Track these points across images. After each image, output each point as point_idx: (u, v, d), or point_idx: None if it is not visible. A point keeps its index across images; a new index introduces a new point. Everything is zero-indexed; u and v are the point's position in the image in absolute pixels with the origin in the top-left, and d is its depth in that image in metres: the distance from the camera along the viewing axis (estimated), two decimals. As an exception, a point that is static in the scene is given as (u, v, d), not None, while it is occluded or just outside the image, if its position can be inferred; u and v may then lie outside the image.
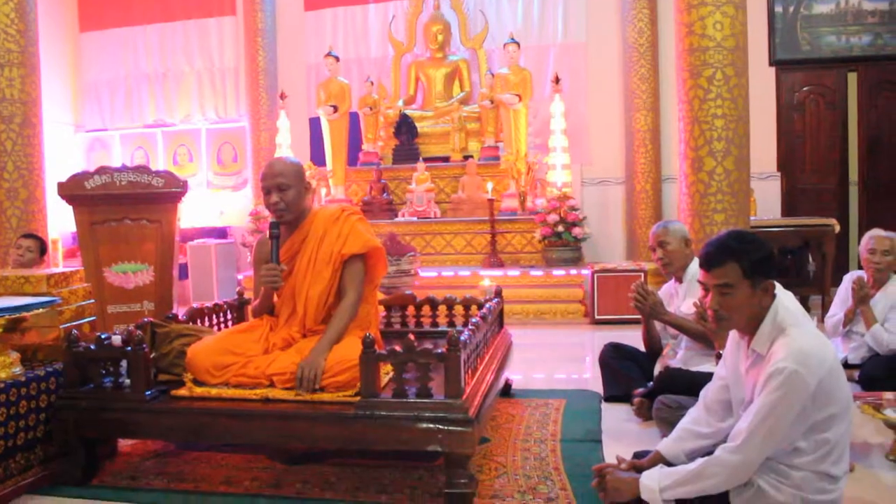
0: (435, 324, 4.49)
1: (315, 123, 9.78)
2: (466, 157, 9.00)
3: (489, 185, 8.21)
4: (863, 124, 9.35)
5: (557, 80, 8.67)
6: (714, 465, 2.38)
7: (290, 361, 3.17)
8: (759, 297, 2.43)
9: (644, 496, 2.47)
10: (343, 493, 3.06)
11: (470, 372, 3.18)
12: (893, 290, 4.57)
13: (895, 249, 4.58)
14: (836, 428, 2.39)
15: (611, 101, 9.58)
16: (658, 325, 4.18)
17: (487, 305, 4.04)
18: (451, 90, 9.73)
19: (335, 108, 9.11)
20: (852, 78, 9.39)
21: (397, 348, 2.96)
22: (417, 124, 9.33)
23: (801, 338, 2.36)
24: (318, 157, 9.55)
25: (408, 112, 9.41)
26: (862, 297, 4.55)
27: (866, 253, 4.63)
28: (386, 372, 3.17)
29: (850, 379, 4.52)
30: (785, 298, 2.49)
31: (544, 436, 3.77)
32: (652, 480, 2.47)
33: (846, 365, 4.68)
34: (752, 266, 2.42)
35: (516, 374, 4.75)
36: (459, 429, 2.85)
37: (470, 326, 3.35)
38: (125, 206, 4.79)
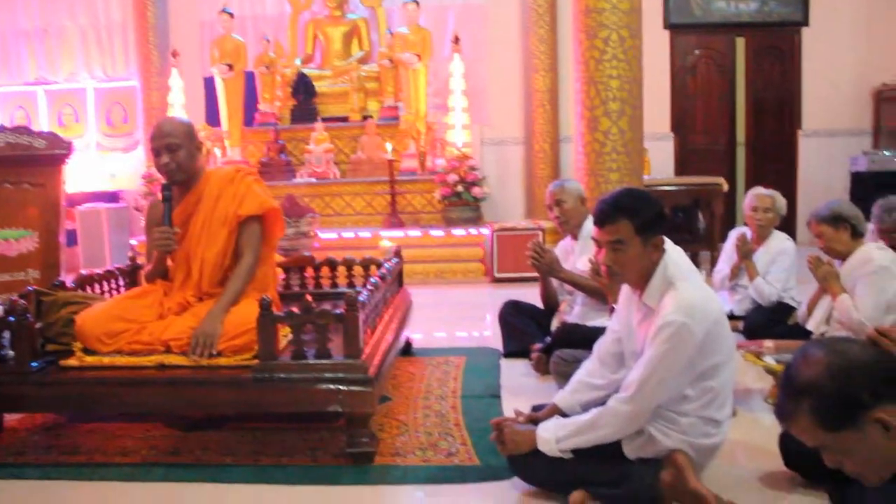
0: (334, 285, 4.47)
1: (209, 83, 9.45)
2: (366, 118, 8.91)
3: (388, 146, 8.17)
4: (749, 88, 9.71)
5: (457, 41, 8.64)
6: (607, 415, 2.47)
7: (186, 326, 3.11)
8: (649, 252, 2.51)
9: (541, 447, 2.54)
10: (244, 457, 3.03)
11: (369, 332, 3.18)
12: (775, 246, 4.80)
13: (776, 206, 4.80)
14: (720, 376, 2.50)
15: (510, 62, 9.63)
16: (555, 282, 4.26)
17: (386, 265, 4.04)
18: (350, 49, 9.57)
19: (230, 67, 8.83)
20: (740, 43, 9.72)
21: (295, 310, 2.94)
22: (315, 84, 9.15)
23: (689, 291, 2.46)
24: (213, 118, 9.26)
25: (306, 71, 9.21)
26: (745, 252, 4.76)
27: (749, 210, 4.84)
28: (284, 334, 3.13)
29: (735, 329, 4.75)
30: (674, 253, 2.58)
31: (445, 393, 3.81)
32: (548, 432, 2.54)
33: (732, 316, 4.90)
34: (643, 223, 2.49)
35: (417, 334, 4.78)
36: (359, 388, 2.86)
37: (368, 286, 3.35)
38: (4, 169, 4.54)
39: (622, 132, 5.29)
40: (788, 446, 2.66)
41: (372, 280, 3.51)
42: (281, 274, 4.34)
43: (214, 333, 3.02)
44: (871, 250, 3.68)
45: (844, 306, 3.57)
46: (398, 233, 7.70)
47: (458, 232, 7.75)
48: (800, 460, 2.63)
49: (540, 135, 9.30)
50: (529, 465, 2.61)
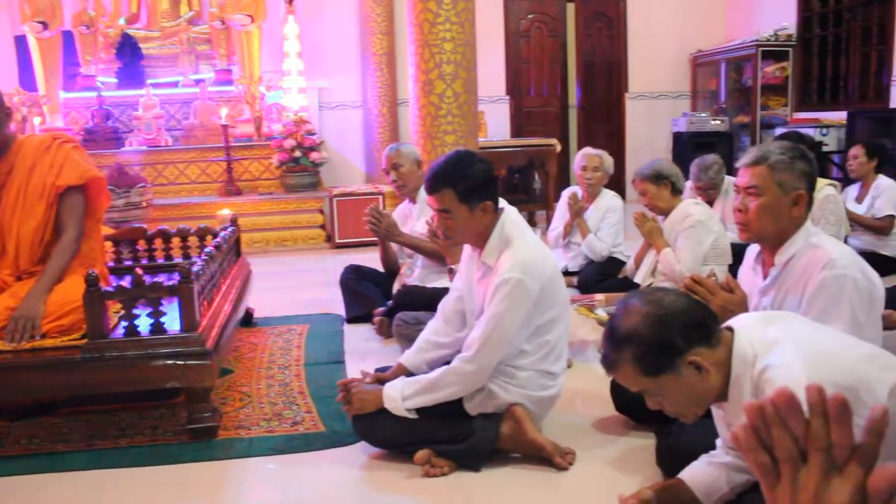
0: (169, 257, 4.30)
1: (22, 42, 8.74)
2: (198, 82, 8.54)
3: (223, 111, 7.88)
4: (580, 53, 10.05)
5: (291, 1, 8.41)
6: (452, 373, 2.53)
7: (3, 307, 2.88)
8: (478, 217, 2.57)
9: (387, 405, 2.57)
10: (77, 442, 2.89)
11: (206, 304, 3.09)
12: (604, 203, 5.03)
13: (604, 166, 5.02)
14: (555, 330, 2.62)
15: (346, 24, 9.49)
16: (395, 246, 4.30)
17: (222, 234, 3.93)
18: (179, 9, 9.10)
19: (44, 25, 8.19)
20: (571, 8, 10.02)
21: (125, 284, 2.81)
22: (142, 45, 8.67)
23: (524, 249, 2.54)
24: (27, 81, 8.59)
25: (131, 32, 8.70)
26: (577, 210, 4.97)
27: (579, 170, 5.04)
28: (116, 311, 2.99)
29: (570, 285, 4.95)
30: (511, 213, 2.66)
31: (288, 361, 3.78)
32: (395, 390, 2.58)
33: (566, 272, 5.11)
34: (466, 191, 2.54)
35: (259, 304, 4.70)
36: (197, 362, 2.78)
37: (203, 256, 3.25)
38: None
39: (457, 95, 5.36)
40: (618, 392, 2.83)
41: (207, 250, 3.40)
42: (110, 247, 4.13)
43: (36, 314, 2.83)
44: (690, 206, 3.93)
45: (667, 259, 3.81)
46: (236, 200, 7.48)
47: (298, 198, 7.62)
48: (629, 404, 2.80)
49: (378, 98, 9.26)
50: (375, 426, 2.64)
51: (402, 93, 9.29)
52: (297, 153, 7.69)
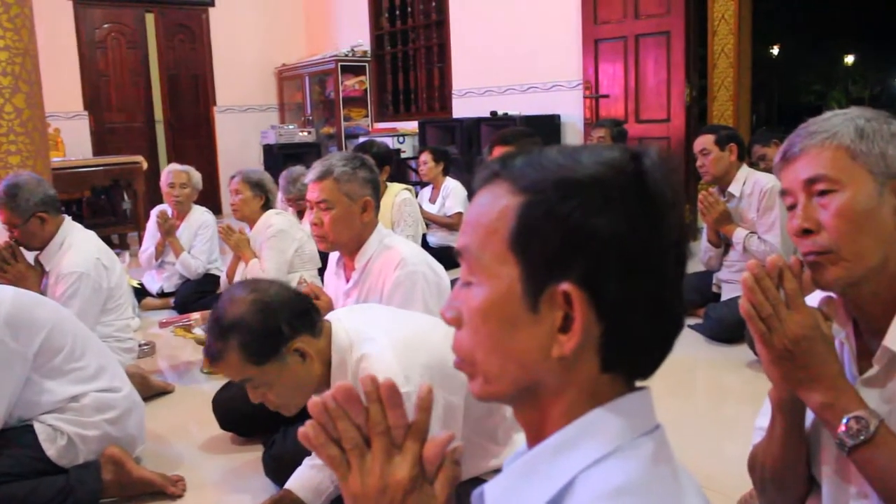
0: None
1: None
2: None
3: None
4: (163, 65, 9.73)
5: None
6: None
7: None
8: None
9: None
10: None
11: None
12: (195, 219, 4.93)
13: (192, 181, 4.92)
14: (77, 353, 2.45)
15: None
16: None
17: None
18: None
19: None
20: (150, 19, 9.64)
21: None
22: None
23: None
24: None
25: None
26: (168, 228, 4.78)
27: (167, 187, 4.89)
28: None
29: (166, 306, 4.80)
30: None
31: None
32: None
33: (162, 294, 4.94)
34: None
35: None
36: None
37: None
38: None
39: (18, 111, 4.80)
40: (221, 410, 2.81)
41: None
42: None
43: None
44: (271, 216, 4.06)
45: (253, 270, 3.85)
46: None
47: None
48: (232, 421, 2.81)
49: (-74, 115, 8.02)
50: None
51: (-43, 109, 8.17)
52: None
